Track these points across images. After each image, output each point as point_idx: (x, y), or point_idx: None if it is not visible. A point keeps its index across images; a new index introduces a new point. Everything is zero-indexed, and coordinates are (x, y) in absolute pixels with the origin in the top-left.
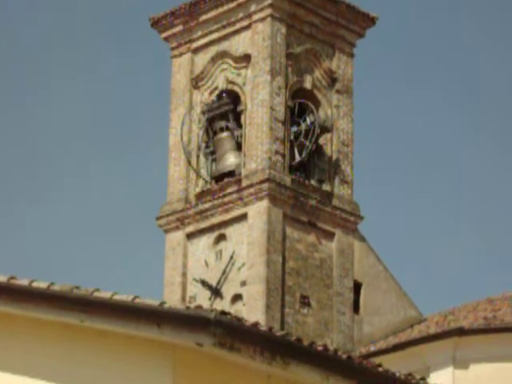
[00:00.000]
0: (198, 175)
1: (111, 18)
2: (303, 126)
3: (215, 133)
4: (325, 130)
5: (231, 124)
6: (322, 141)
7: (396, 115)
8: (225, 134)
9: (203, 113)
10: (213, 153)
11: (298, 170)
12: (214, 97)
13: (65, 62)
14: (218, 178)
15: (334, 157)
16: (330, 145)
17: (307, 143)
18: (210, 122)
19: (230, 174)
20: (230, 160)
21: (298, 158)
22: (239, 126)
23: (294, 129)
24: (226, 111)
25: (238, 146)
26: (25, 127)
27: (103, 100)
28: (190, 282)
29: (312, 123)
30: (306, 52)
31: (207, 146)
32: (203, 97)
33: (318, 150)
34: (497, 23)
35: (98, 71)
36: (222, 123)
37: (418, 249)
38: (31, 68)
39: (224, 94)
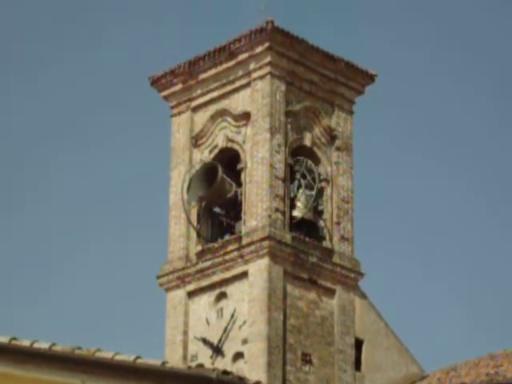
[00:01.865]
0: (199, 234)
1: (110, 77)
2: (303, 183)
3: None
4: (323, 180)
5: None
6: (321, 198)
7: (396, 172)
8: None
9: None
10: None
11: (298, 227)
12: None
13: (62, 120)
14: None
15: (334, 214)
16: (330, 202)
17: (313, 189)
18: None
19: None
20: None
21: (301, 210)
22: (239, 184)
23: (294, 186)
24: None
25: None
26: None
27: (102, 159)
28: (191, 341)
29: (312, 179)
30: (305, 109)
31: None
32: (203, 155)
33: (318, 207)
34: (497, 87)
35: (97, 130)
36: None
37: (419, 305)
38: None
39: None
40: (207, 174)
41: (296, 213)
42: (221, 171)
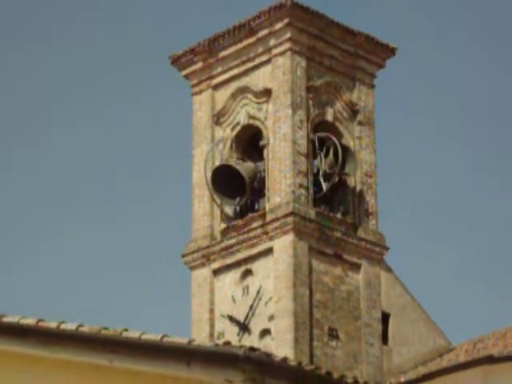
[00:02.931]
0: (223, 211)
1: (131, 57)
2: (326, 158)
3: None
4: (347, 152)
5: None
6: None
7: (418, 145)
8: None
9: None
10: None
11: (322, 202)
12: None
13: (85, 101)
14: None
15: (358, 188)
16: (354, 176)
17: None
18: None
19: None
20: None
21: (324, 186)
22: (261, 160)
23: (317, 161)
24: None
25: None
26: (38, 172)
27: (125, 139)
28: (217, 319)
29: (335, 154)
30: (326, 85)
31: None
32: (225, 133)
33: (342, 182)
34: None
35: (119, 110)
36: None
37: (445, 277)
38: (50, 109)
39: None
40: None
41: (323, 185)
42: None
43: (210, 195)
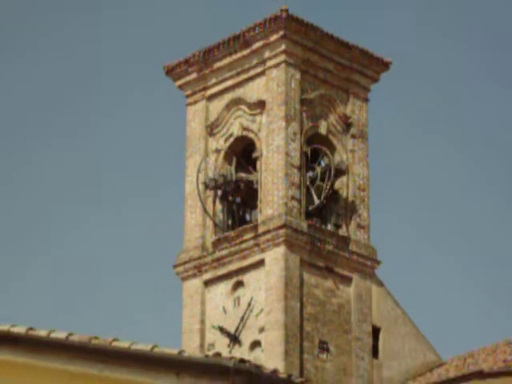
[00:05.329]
0: (215, 223)
1: (126, 67)
2: (318, 170)
3: None
4: (340, 172)
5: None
6: (337, 185)
7: (411, 158)
8: None
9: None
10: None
11: (314, 215)
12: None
13: (78, 111)
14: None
15: (350, 201)
16: (346, 189)
17: (324, 186)
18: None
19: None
20: None
21: (316, 201)
22: (254, 171)
23: (310, 174)
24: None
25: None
26: (35, 178)
27: (118, 148)
28: (208, 330)
29: (327, 165)
30: (320, 97)
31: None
32: (218, 144)
33: (334, 195)
34: None
35: (113, 119)
36: None
37: (436, 292)
38: (41, 123)
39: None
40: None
41: (314, 199)
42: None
43: (202, 206)
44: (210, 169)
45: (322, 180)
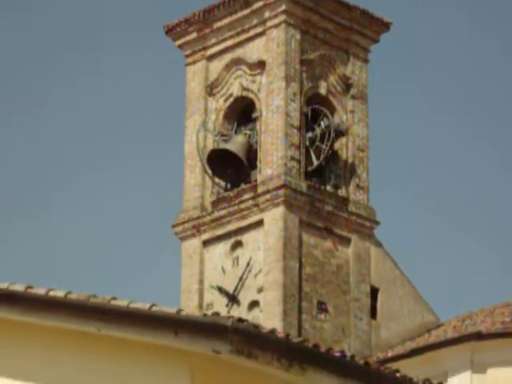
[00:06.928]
0: (214, 183)
1: (125, 27)
2: (318, 131)
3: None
4: (340, 133)
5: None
6: (337, 146)
7: (411, 120)
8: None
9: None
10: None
11: (314, 175)
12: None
13: (77, 70)
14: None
15: (350, 162)
16: (346, 150)
17: (323, 146)
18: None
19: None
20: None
21: (315, 162)
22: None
23: (309, 134)
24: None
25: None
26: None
27: (117, 108)
28: (206, 289)
29: (327, 127)
30: (320, 58)
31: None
32: (218, 104)
33: (334, 156)
34: None
35: (112, 79)
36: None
37: (435, 253)
38: (42, 80)
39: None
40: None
41: (313, 161)
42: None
43: (202, 166)
44: (209, 129)
45: (322, 141)
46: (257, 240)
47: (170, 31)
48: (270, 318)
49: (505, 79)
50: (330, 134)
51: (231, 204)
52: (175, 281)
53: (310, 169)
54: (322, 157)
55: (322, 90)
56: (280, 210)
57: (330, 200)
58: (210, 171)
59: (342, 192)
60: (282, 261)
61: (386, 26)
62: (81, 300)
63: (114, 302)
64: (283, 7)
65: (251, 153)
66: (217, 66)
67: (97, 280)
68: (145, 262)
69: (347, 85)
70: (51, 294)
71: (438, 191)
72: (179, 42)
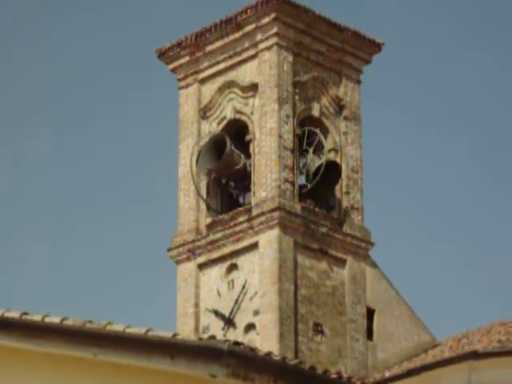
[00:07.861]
0: (208, 206)
1: (118, 50)
2: (311, 154)
3: None
4: (332, 164)
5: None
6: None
7: (404, 140)
8: None
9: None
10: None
11: (308, 197)
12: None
13: (70, 95)
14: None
15: (344, 183)
16: (339, 172)
17: (316, 178)
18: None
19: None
20: None
21: (309, 184)
22: (247, 155)
23: (303, 161)
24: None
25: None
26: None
27: (110, 133)
28: (202, 313)
29: (318, 167)
30: (312, 80)
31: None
32: (211, 127)
33: (328, 178)
34: (509, 55)
35: (105, 104)
36: None
37: (430, 273)
38: (36, 111)
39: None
40: (216, 146)
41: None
42: (229, 143)
43: (196, 190)
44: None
45: (315, 174)
46: (252, 262)
47: (162, 55)
48: (266, 340)
49: (499, 99)
50: (321, 169)
51: (226, 227)
52: (171, 305)
53: (304, 191)
54: (315, 179)
55: (315, 112)
56: (275, 232)
57: (325, 221)
58: (204, 194)
59: (336, 213)
60: (278, 283)
61: (377, 47)
62: (77, 326)
63: (109, 328)
64: (275, 30)
65: (244, 173)
66: (209, 89)
67: (92, 306)
68: (140, 286)
69: (340, 106)
70: (47, 320)
71: (433, 212)
72: (172, 66)
